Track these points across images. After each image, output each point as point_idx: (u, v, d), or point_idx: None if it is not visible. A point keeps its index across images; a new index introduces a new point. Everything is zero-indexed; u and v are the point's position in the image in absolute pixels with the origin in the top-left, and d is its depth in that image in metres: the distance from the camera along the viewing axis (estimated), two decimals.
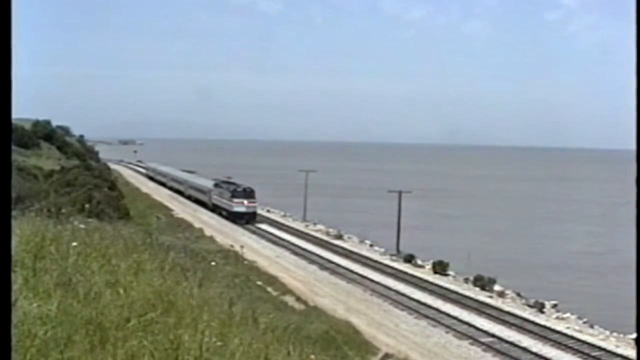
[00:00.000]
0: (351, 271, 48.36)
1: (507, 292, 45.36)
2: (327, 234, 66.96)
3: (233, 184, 77.24)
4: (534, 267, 57.02)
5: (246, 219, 68.80)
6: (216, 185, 79.34)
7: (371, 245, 62.36)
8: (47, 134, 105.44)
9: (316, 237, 63.43)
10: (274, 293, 36.99)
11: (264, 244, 57.89)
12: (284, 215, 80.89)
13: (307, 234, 66.28)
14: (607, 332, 36.58)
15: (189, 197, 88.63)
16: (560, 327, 36.25)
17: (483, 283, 46.41)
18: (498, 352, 31.28)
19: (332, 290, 42.13)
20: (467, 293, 43.42)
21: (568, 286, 49.28)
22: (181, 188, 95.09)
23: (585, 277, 53.65)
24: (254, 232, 64.42)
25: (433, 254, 54.38)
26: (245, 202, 70.00)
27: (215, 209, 76.25)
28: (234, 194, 70.96)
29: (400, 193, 62.73)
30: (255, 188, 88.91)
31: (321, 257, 53.25)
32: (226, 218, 71.20)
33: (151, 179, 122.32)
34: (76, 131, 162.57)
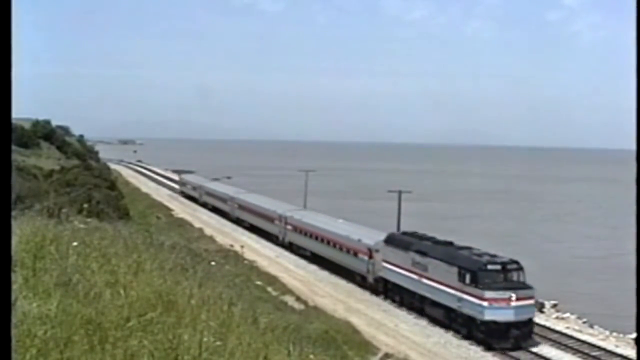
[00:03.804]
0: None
1: None
2: None
3: (466, 248, 35.81)
4: (534, 267, 56.90)
5: (514, 337, 31.68)
6: (392, 240, 40.15)
7: None
8: (47, 134, 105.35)
9: None
10: (274, 293, 36.97)
11: (263, 243, 57.81)
12: None
13: None
14: (607, 332, 36.54)
15: (290, 245, 55.01)
16: (560, 327, 36.22)
17: None
18: (498, 352, 31.24)
19: (332, 290, 42.10)
20: None
21: (568, 286, 49.25)
22: (272, 229, 58.89)
23: (585, 278, 53.64)
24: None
25: None
26: (514, 297, 31.54)
27: (389, 292, 39.77)
28: (482, 278, 32.11)
29: (400, 193, 62.60)
30: (254, 188, 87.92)
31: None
32: (435, 321, 35.28)
33: (193, 200, 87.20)
34: (76, 131, 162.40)
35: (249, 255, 48.18)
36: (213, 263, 24.58)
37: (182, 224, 64.30)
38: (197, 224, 64.53)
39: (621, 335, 35.68)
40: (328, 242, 47.68)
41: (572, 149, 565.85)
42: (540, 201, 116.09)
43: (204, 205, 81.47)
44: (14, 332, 5.14)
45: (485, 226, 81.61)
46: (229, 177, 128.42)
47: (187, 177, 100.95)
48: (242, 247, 48.23)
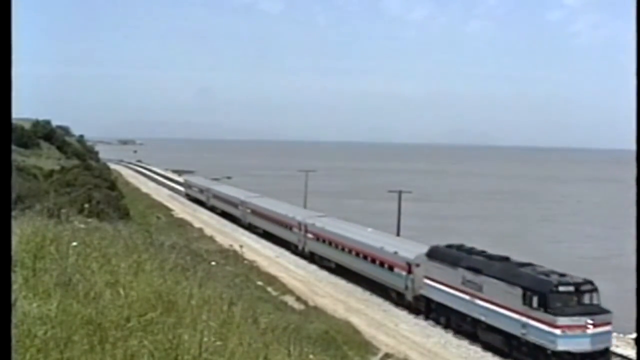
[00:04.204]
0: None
1: None
2: None
3: (527, 265, 31.16)
4: None
5: None
6: (436, 254, 35.64)
7: None
8: (47, 134, 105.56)
9: None
10: (274, 293, 36.98)
11: (263, 243, 57.80)
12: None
13: None
14: None
15: (311, 255, 50.67)
16: None
17: None
18: (498, 351, 31.24)
19: (332, 290, 42.09)
20: None
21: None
22: (290, 237, 54.55)
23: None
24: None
25: None
26: (590, 323, 27.43)
27: (433, 312, 35.48)
28: (553, 302, 27.94)
29: (400, 193, 62.60)
30: (255, 189, 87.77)
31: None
32: (491, 347, 31.11)
33: (200, 204, 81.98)
34: (76, 131, 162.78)
35: (249, 255, 48.16)
36: (213, 263, 24.58)
37: (182, 224, 64.30)
38: (197, 224, 64.53)
39: (621, 335, 35.66)
40: (357, 254, 43.43)
41: (572, 149, 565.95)
42: (540, 201, 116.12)
43: (212, 209, 76.89)
44: (14, 332, 5.14)
45: (486, 226, 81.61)
46: (229, 177, 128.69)
47: (192, 179, 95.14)
48: (241, 247, 48.16)
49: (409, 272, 37.35)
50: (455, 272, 33.11)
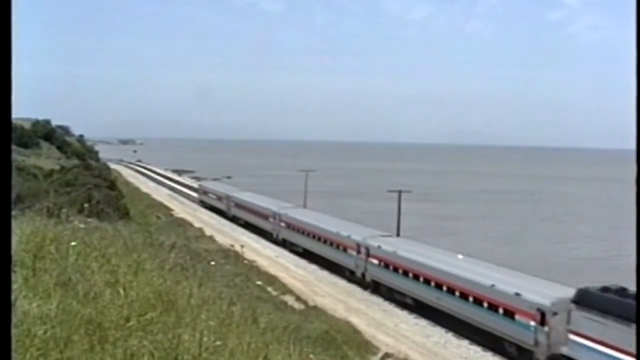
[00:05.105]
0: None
1: None
2: None
3: None
4: (535, 268, 56.92)
5: None
6: (591, 302, 26.54)
7: None
8: (47, 134, 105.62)
9: None
10: (274, 293, 36.98)
11: (264, 243, 57.76)
12: None
13: None
14: None
15: (375, 286, 41.81)
16: None
17: None
18: (498, 351, 31.24)
19: (332, 289, 42.07)
20: None
21: (569, 287, 49.16)
22: (344, 260, 45.87)
23: (586, 279, 53.55)
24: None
25: None
26: None
27: None
28: None
29: (399, 193, 62.55)
30: (255, 189, 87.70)
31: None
32: None
33: (219, 212, 73.88)
34: (76, 131, 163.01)
35: (249, 255, 48.17)
36: (213, 263, 24.60)
37: (182, 223, 64.29)
38: (197, 224, 64.52)
39: None
40: (450, 290, 34.14)
41: (573, 149, 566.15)
42: (541, 201, 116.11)
43: (233, 219, 68.44)
44: (14, 332, 5.13)
45: (486, 226, 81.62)
46: (229, 177, 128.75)
47: (209, 185, 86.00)
48: (242, 247, 48.17)
49: (542, 323, 28.29)
50: (628, 329, 23.70)
